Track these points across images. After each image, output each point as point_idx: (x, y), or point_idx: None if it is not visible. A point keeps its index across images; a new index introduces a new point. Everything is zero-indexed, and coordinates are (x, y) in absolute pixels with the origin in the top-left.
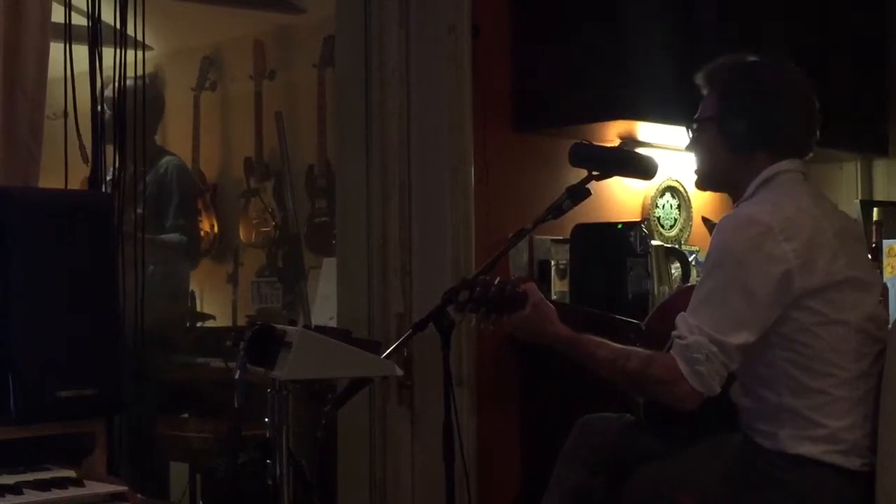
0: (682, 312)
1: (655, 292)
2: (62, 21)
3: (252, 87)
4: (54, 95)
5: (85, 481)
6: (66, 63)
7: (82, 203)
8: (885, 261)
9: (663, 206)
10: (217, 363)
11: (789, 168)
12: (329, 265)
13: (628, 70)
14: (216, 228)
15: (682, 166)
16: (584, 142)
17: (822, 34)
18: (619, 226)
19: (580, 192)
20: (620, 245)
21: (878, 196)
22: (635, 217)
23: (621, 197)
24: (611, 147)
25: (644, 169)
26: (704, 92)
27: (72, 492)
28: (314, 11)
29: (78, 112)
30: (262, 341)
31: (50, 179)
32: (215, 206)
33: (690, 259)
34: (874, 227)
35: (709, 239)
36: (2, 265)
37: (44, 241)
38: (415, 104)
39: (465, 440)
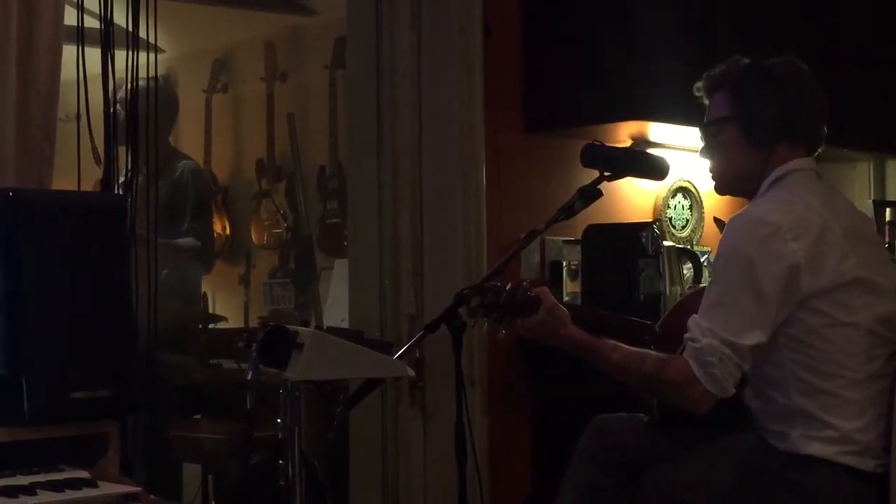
0: (695, 315)
1: (667, 293)
2: (75, 24)
3: (263, 89)
4: (67, 98)
5: (98, 482)
6: (78, 65)
7: (95, 205)
8: None
9: (675, 207)
10: (229, 364)
11: (802, 167)
12: (341, 266)
13: (640, 70)
14: (228, 230)
15: (693, 167)
16: (596, 142)
17: (834, 33)
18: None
19: (592, 193)
20: (632, 246)
21: (891, 196)
22: (647, 218)
23: (633, 197)
24: (622, 148)
25: (656, 169)
26: (710, 96)
27: (85, 492)
28: (325, 13)
29: (91, 114)
30: (275, 342)
31: (63, 181)
32: (227, 208)
33: (702, 259)
34: (887, 227)
35: (720, 239)
36: (15, 266)
37: (57, 243)
38: (426, 105)
39: (477, 441)
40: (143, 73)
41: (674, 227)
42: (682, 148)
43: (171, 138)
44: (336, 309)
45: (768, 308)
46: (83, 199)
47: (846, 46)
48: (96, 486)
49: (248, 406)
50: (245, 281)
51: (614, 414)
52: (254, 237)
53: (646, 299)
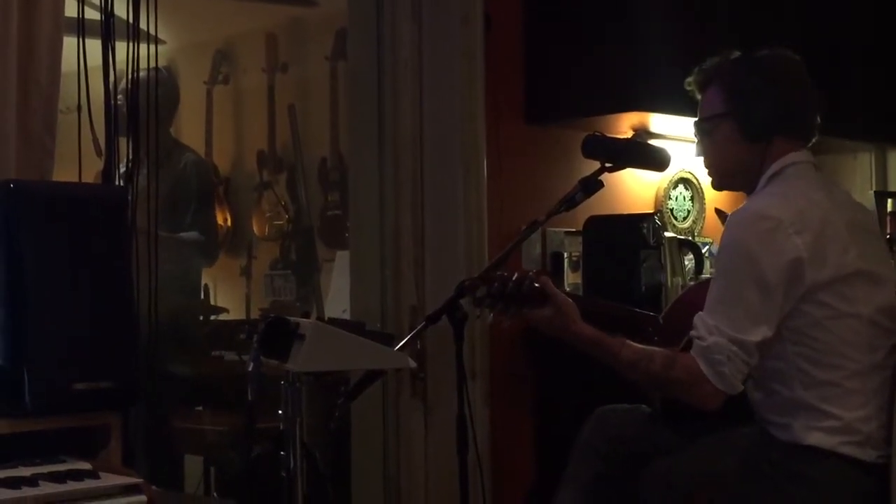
0: (700, 312)
1: (669, 284)
2: (75, 15)
3: (265, 81)
4: (68, 90)
5: (100, 473)
6: (79, 57)
7: (96, 197)
8: None
9: (676, 198)
10: (231, 356)
11: (799, 160)
12: (342, 258)
13: (641, 61)
14: (229, 222)
15: (695, 158)
16: (597, 133)
17: (835, 24)
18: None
19: (593, 184)
20: (633, 237)
21: (893, 187)
22: (648, 209)
23: (634, 189)
24: (624, 139)
25: (657, 160)
26: (701, 92)
27: (87, 484)
28: (326, 4)
29: (91, 106)
30: (276, 334)
31: (64, 173)
32: (228, 200)
33: (704, 251)
34: (889, 218)
35: (721, 230)
36: (16, 258)
37: (58, 235)
38: (427, 96)
39: (478, 432)
40: (143, 65)
41: (675, 218)
42: (683, 139)
43: (172, 130)
44: (337, 300)
45: (773, 302)
46: (84, 191)
47: (847, 36)
48: (98, 478)
49: (250, 397)
50: (246, 272)
51: (616, 405)
52: (255, 229)
53: (647, 290)
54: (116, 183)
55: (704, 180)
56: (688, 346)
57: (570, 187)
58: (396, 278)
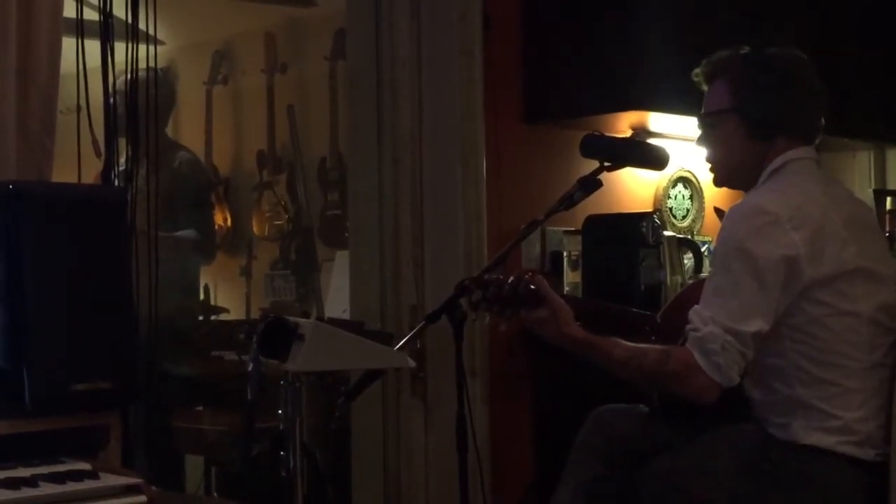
0: (696, 306)
1: (668, 283)
2: (74, 16)
3: (264, 81)
4: (67, 90)
5: (100, 474)
6: (78, 58)
7: (96, 197)
8: None
9: (675, 197)
10: (231, 356)
11: (801, 156)
12: (342, 258)
13: (640, 60)
14: (229, 222)
15: (694, 156)
16: (596, 132)
17: (835, 22)
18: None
19: (592, 183)
20: (633, 236)
21: (892, 185)
22: (647, 208)
23: (633, 188)
24: (622, 137)
25: (656, 159)
26: (707, 85)
27: (87, 484)
28: (325, 4)
29: (91, 107)
30: (275, 334)
31: (63, 174)
32: (228, 200)
33: (703, 249)
34: (887, 217)
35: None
36: (16, 259)
37: (57, 235)
38: (426, 96)
39: (478, 431)
40: (143, 66)
41: (674, 216)
42: (682, 138)
43: (168, 130)
44: (337, 300)
45: (769, 296)
46: (84, 192)
47: (846, 34)
48: (98, 478)
49: (250, 397)
50: (246, 272)
51: (614, 405)
52: (255, 229)
53: (646, 289)
54: (116, 183)
55: (704, 179)
56: (685, 343)
57: (570, 186)
58: (396, 278)
